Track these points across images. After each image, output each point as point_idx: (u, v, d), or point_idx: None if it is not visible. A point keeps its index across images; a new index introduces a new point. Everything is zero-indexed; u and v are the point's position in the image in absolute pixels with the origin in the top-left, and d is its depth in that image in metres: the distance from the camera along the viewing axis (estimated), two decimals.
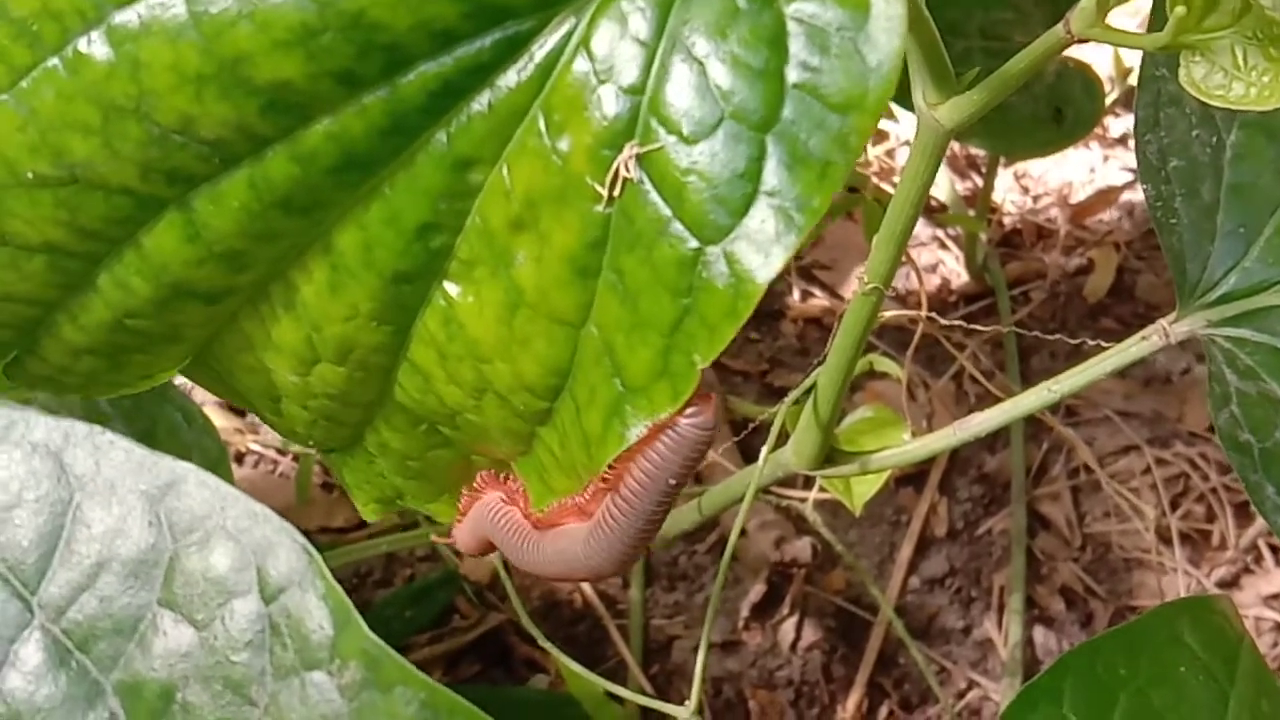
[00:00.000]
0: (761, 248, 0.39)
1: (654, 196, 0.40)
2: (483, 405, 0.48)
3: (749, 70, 0.39)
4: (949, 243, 1.37)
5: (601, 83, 0.40)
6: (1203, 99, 0.41)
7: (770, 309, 1.32)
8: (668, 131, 0.40)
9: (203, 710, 0.34)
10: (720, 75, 0.39)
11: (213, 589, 0.35)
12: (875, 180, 1.33)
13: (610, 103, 0.40)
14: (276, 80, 0.41)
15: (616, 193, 0.40)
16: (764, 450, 0.71)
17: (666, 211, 0.40)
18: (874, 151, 1.41)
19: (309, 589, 0.35)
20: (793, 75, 0.38)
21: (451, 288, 0.45)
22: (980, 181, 1.40)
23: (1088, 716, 0.56)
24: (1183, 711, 0.58)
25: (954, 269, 1.35)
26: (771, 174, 0.39)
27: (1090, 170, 1.44)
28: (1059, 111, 1.03)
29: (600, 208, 0.41)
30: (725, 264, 0.39)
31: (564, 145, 0.41)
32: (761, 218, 0.39)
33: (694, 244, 0.40)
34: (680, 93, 0.39)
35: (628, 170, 0.40)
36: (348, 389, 0.49)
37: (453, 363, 0.47)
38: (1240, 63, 0.41)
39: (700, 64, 0.39)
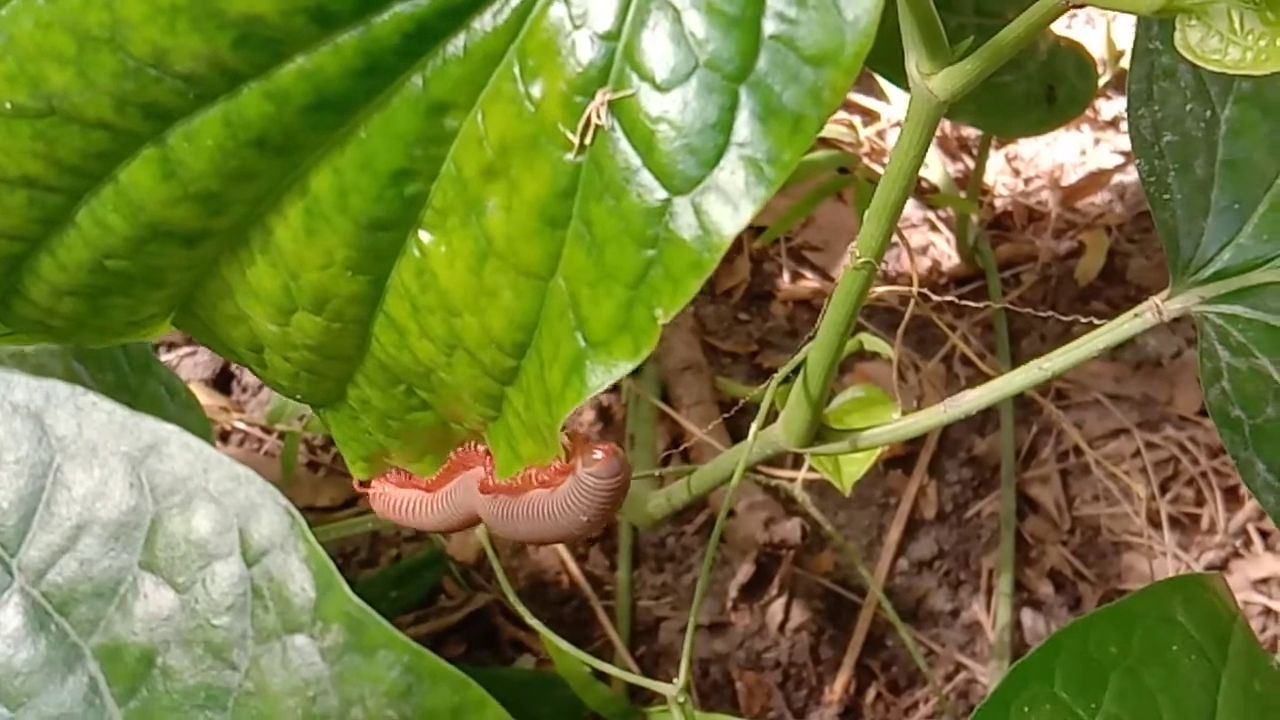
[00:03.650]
0: (730, 200, 0.39)
1: (624, 145, 0.40)
2: (454, 363, 0.47)
3: (725, 19, 0.38)
4: (940, 225, 1.37)
5: (577, 28, 0.40)
6: (1199, 63, 0.41)
7: (760, 290, 1.31)
8: (641, 79, 0.39)
9: (183, 674, 0.34)
10: (696, 23, 0.39)
11: (194, 551, 0.35)
12: (866, 161, 1.33)
13: (585, 48, 0.40)
14: (248, 14, 0.41)
15: (588, 141, 0.40)
16: (754, 426, 0.70)
17: (636, 161, 0.39)
18: (865, 132, 1.40)
19: (291, 552, 0.34)
20: (769, 26, 0.38)
21: (425, 236, 0.45)
22: (971, 164, 1.40)
23: (1079, 695, 0.56)
24: (1175, 691, 0.57)
25: (945, 251, 1.35)
26: (743, 125, 0.38)
27: (1081, 153, 1.44)
28: (1052, 90, 1.03)
29: (571, 156, 0.41)
30: (693, 215, 0.39)
31: (537, 91, 0.41)
32: (731, 170, 0.39)
33: (662, 194, 0.39)
34: (655, 40, 0.39)
35: (599, 117, 0.39)
36: (326, 340, 0.49)
37: (425, 315, 0.47)
38: (1236, 27, 0.41)
39: (676, 11, 0.39)
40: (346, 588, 0.34)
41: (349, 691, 0.33)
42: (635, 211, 0.40)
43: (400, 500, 0.56)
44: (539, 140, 0.41)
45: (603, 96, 0.39)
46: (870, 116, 1.43)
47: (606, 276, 0.41)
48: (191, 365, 1.23)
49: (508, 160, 0.42)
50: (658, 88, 0.39)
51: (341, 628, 0.34)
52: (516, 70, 0.41)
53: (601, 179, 0.40)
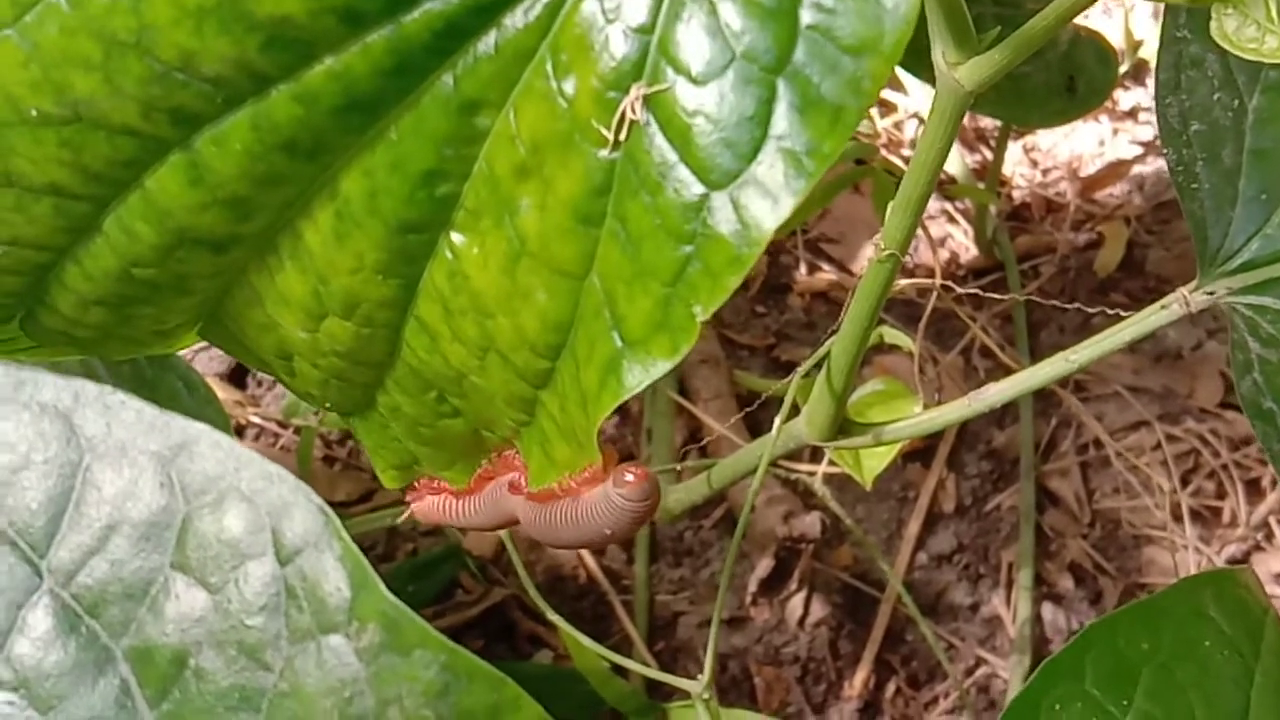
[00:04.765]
0: (769, 194, 0.38)
1: (660, 140, 0.39)
2: (486, 366, 0.47)
3: (761, 10, 0.38)
4: (957, 216, 1.36)
5: (610, 22, 0.39)
6: (1236, 52, 0.41)
7: (777, 283, 1.31)
8: (676, 72, 0.39)
9: (216, 676, 0.34)
10: (731, 15, 0.38)
11: (226, 551, 0.34)
12: (884, 153, 1.32)
13: (618, 43, 0.39)
14: (277, 15, 0.40)
15: (623, 137, 0.39)
16: (777, 420, 0.70)
17: (672, 155, 0.39)
18: (882, 124, 1.40)
19: (325, 550, 0.34)
20: (806, 16, 0.37)
21: (457, 238, 0.44)
22: (989, 155, 1.39)
23: (1110, 692, 0.56)
24: (1207, 687, 0.57)
25: (963, 243, 1.34)
26: (782, 117, 0.38)
27: (1100, 143, 1.43)
28: (1072, 80, 1.03)
29: (606, 152, 0.40)
30: (731, 210, 0.38)
31: (570, 88, 0.40)
32: (770, 163, 0.38)
33: (699, 189, 0.39)
34: (690, 33, 0.38)
35: (634, 112, 0.39)
36: (356, 346, 0.49)
37: (457, 318, 0.46)
38: (1274, 15, 0.40)
39: (711, 3, 0.38)
40: (382, 586, 0.33)
41: (386, 691, 0.33)
42: (672, 207, 0.39)
43: (441, 501, 0.56)
44: (573, 137, 0.40)
45: (637, 91, 0.39)
46: (887, 107, 1.42)
47: (643, 274, 0.40)
48: (207, 360, 1.23)
49: (541, 158, 0.41)
50: (693, 81, 0.38)
51: (377, 627, 0.33)
52: (549, 67, 0.41)
53: (637, 175, 0.40)
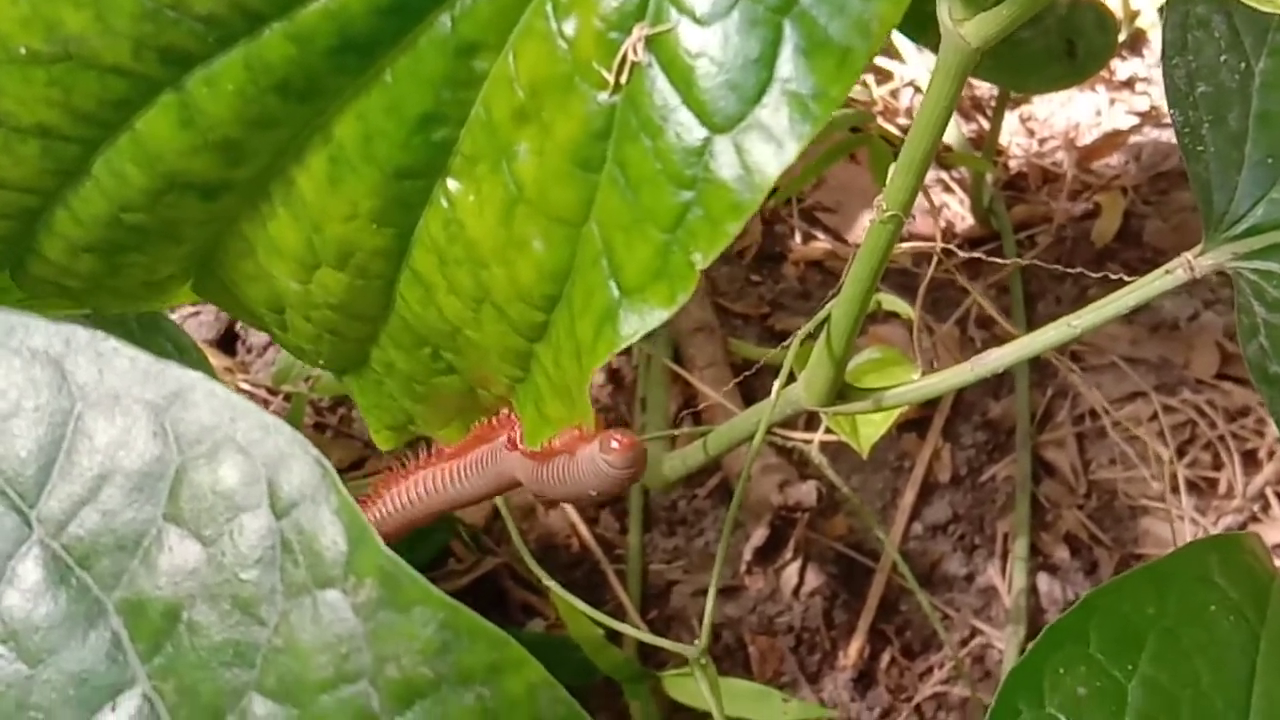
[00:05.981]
0: (774, 138, 0.37)
1: (662, 82, 0.38)
2: (481, 318, 0.46)
3: None
4: (953, 185, 1.35)
5: None
6: (1251, 4, 0.40)
7: (772, 252, 1.30)
8: (680, 13, 0.38)
9: (210, 630, 0.33)
10: None
11: (221, 503, 0.33)
12: (880, 120, 1.31)
13: None
14: None
15: (624, 79, 0.39)
16: (776, 384, 0.69)
17: (674, 99, 0.38)
18: (878, 91, 1.39)
19: (322, 504, 0.33)
20: None
21: (453, 185, 0.44)
22: (985, 124, 1.39)
23: (1115, 657, 0.55)
24: (1212, 652, 0.56)
25: (959, 212, 1.34)
26: (787, 60, 0.37)
27: (1097, 113, 1.42)
28: (1071, 45, 1.02)
29: (606, 95, 0.39)
30: (734, 155, 0.38)
31: (571, 29, 0.39)
32: (775, 106, 0.37)
33: (702, 133, 0.38)
34: None
35: (636, 54, 0.38)
36: (349, 298, 0.48)
37: (452, 268, 0.45)
38: None
39: None
40: (380, 541, 0.33)
41: (383, 648, 0.32)
42: (673, 151, 0.38)
43: (431, 474, 0.56)
44: (572, 80, 0.40)
45: (640, 32, 0.38)
46: (883, 75, 1.41)
47: (642, 220, 0.40)
48: (196, 325, 1.22)
49: (540, 102, 0.41)
50: (698, 21, 0.38)
51: (375, 583, 0.32)
52: (549, 7, 0.40)
53: (638, 118, 0.39)
